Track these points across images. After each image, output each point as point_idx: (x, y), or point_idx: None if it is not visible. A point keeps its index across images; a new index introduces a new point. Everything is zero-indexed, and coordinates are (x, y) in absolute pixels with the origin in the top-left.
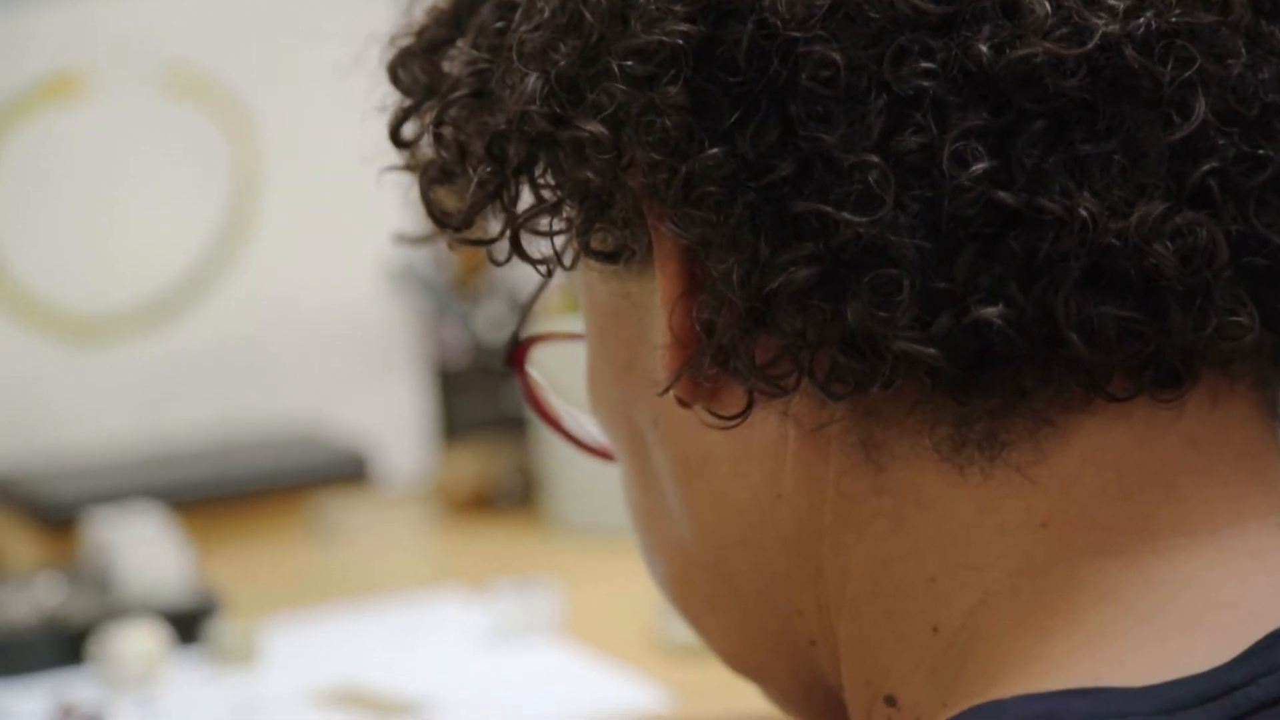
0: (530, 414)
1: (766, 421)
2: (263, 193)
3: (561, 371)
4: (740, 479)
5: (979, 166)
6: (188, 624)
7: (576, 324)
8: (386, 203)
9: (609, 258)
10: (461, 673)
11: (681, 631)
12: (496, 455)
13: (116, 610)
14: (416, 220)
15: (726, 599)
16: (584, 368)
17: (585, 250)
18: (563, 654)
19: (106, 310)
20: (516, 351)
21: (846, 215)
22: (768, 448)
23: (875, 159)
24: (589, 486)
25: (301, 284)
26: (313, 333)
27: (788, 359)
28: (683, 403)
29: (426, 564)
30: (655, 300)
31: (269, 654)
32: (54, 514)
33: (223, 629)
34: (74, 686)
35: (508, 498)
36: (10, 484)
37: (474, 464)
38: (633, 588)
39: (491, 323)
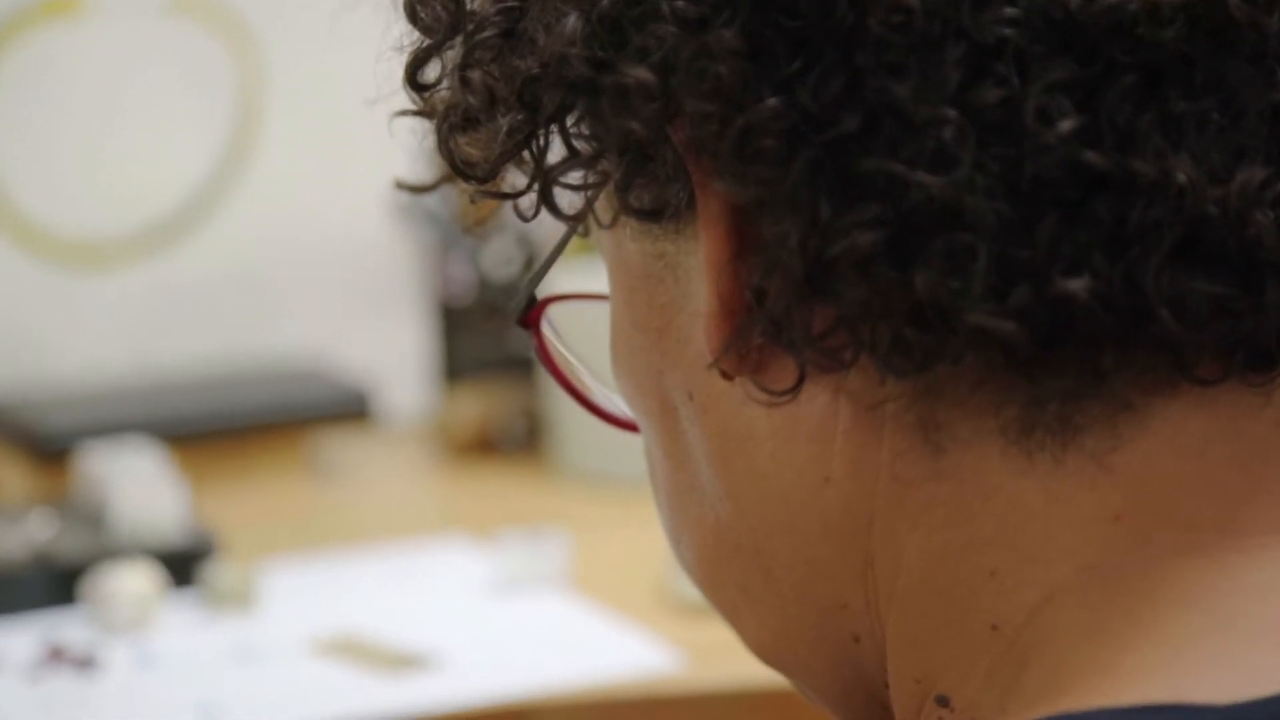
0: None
1: (816, 398)
2: (267, 117)
3: (580, 334)
4: (784, 459)
5: (1066, 124)
6: (183, 565)
7: (597, 279)
8: (395, 131)
9: (649, 216)
10: (466, 625)
11: (692, 588)
12: (501, 397)
13: (110, 549)
14: (425, 155)
15: (762, 588)
16: (606, 331)
17: (624, 207)
18: (570, 609)
19: (104, 236)
20: (531, 310)
21: (918, 175)
22: (816, 426)
23: (951, 113)
24: (597, 433)
25: (305, 213)
26: (315, 264)
27: (845, 331)
28: (726, 375)
29: (429, 507)
30: (694, 262)
31: (266, 598)
32: (47, 445)
33: (219, 571)
34: (64, 627)
35: (512, 441)
36: (2, 413)
37: (478, 405)
38: (642, 540)
39: (499, 259)
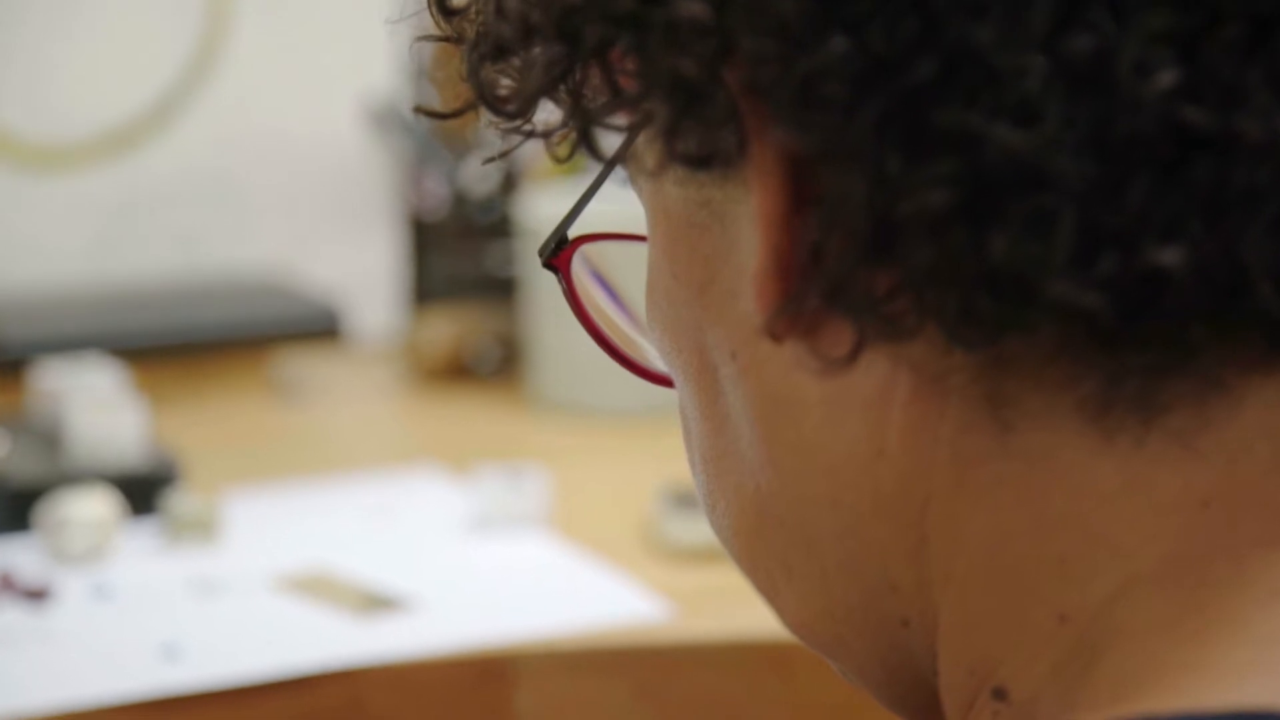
0: (516, 276)
1: (873, 366)
2: (236, 17)
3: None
4: (835, 430)
5: (1164, 77)
6: (142, 492)
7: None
8: (371, 34)
9: (696, 162)
10: (440, 565)
11: (681, 532)
12: (476, 319)
13: (66, 474)
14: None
15: (805, 564)
16: (642, 277)
17: (669, 152)
18: (550, 550)
19: (63, 139)
20: (561, 251)
21: (999, 129)
22: (872, 396)
23: (1038, 61)
24: (577, 361)
25: (274, 120)
26: (283, 175)
27: (910, 296)
28: (775, 337)
29: (399, 435)
30: (743, 211)
31: (230, 529)
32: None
33: (181, 500)
34: (16, 554)
35: (486, 367)
36: None
37: (451, 328)
38: (625, 477)
39: (478, 175)
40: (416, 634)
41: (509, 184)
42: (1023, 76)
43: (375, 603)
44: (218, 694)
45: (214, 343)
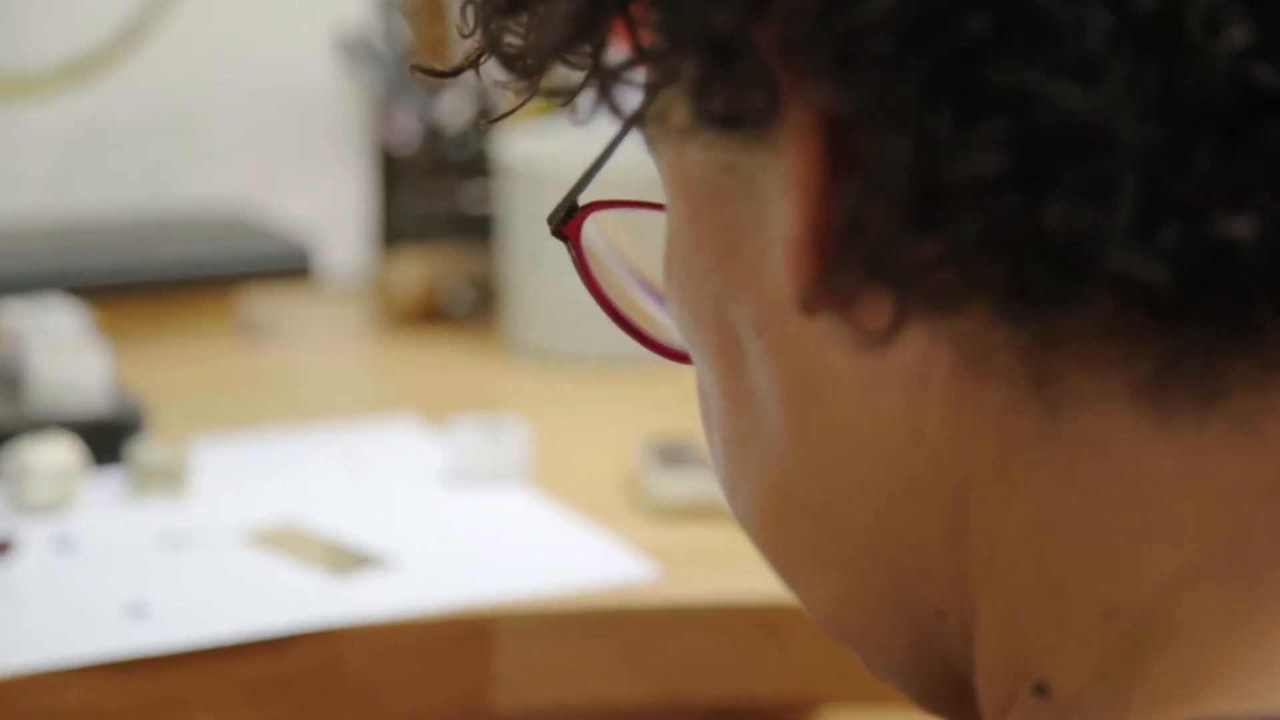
0: (491, 215)
1: (912, 342)
2: None
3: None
4: (869, 410)
5: (1235, 34)
6: (107, 439)
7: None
8: None
9: (725, 124)
10: (416, 521)
11: (667, 488)
12: (449, 261)
13: (26, 420)
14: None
15: (832, 552)
16: (659, 245)
17: (697, 112)
18: (531, 506)
19: (22, 68)
20: (571, 218)
21: (1057, 88)
22: (910, 374)
23: (1101, 16)
24: (556, 305)
25: (241, 50)
26: (250, 107)
27: (955, 267)
28: (808, 311)
29: (371, 381)
30: (772, 177)
31: (198, 479)
32: None
33: (147, 448)
34: None
35: (460, 310)
36: None
37: (423, 269)
38: (608, 430)
39: (450, 109)
40: (393, 593)
41: (484, 117)
42: (1084, 31)
43: (350, 560)
44: (188, 655)
45: (179, 281)
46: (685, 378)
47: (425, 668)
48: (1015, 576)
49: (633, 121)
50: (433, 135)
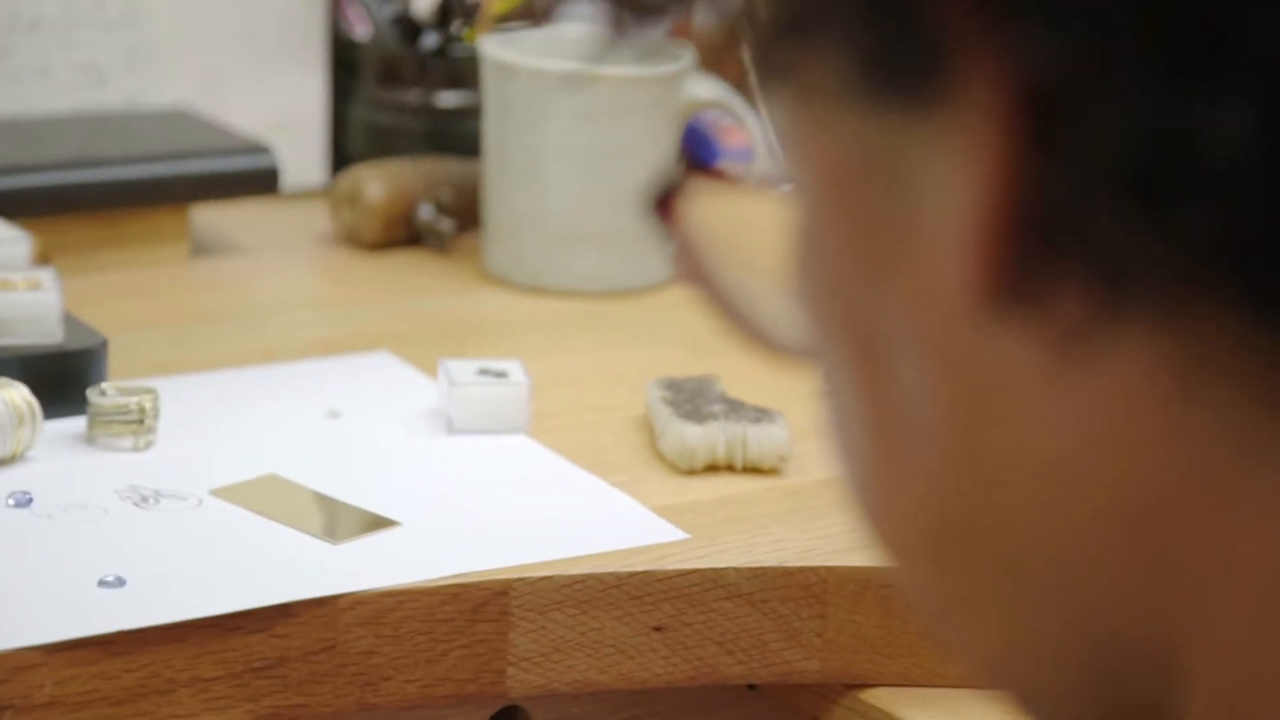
0: (470, 128)
1: (1120, 348)
2: None
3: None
4: (1059, 428)
5: None
6: (63, 382)
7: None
8: None
9: (893, 89)
10: (415, 476)
11: (688, 439)
12: (421, 174)
13: None
14: None
15: (1002, 590)
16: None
17: (861, 77)
18: (541, 462)
19: None
20: (668, 196)
21: None
22: (1115, 386)
23: None
24: (544, 228)
25: None
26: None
27: (1184, 260)
28: (992, 311)
29: (342, 312)
30: (942, 158)
31: (164, 425)
32: None
33: (108, 392)
34: None
35: (435, 230)
36: None
37: (391, 182)
38: (611, 371)
39: (420, 2)
40: (395, 560)
41: (455, 13)
42: None
43: (345, 522)
44: (170, 632)
45: (126, 194)
46: (700, 310)
47: (432, 644)
48: (1246, 626)
49: (770, 86)
50: (401, 33)
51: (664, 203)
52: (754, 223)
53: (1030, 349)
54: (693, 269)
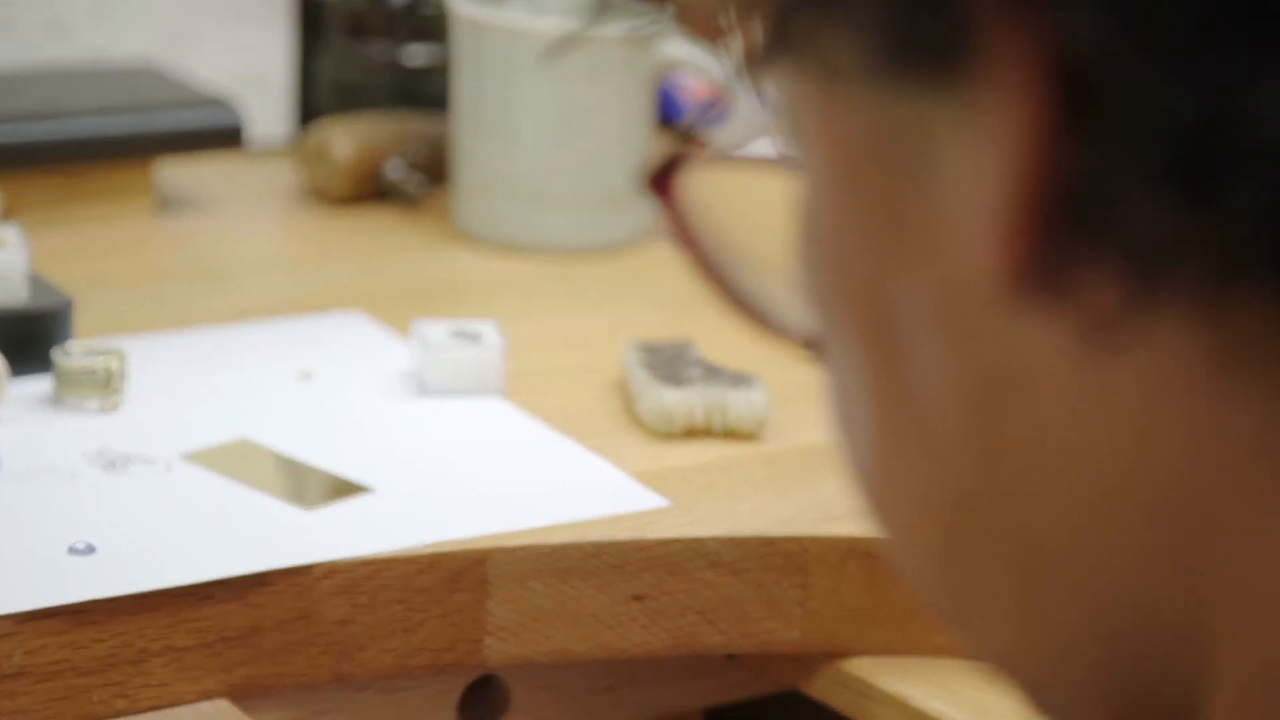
0: (438, 83)
1: (1152, 339)
2: None
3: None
4: (1086, 416)
5: None
6: (27, 344)
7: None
8: None
9: (915, 61)
10: (388, 441)
11: (666, 404)
12: (390, 129)
13: None
14: None
15: (1020, 583)
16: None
17: (881, 49)
18: (518, 427)
19: None
20: (666, 170)
21: None
22: (1147, 373)
23: None
24: (517, 184)
25: None
26: None
27: (1225, 241)
28: (1021, 295)
29: (309, 268)
30: (964, 136)
31: (132, 388)
32: None
33: (74, 352)
34: None
35: (403, 186)
36: None
37: (359, 138)
38: (586, 331)
39: None
40: (370, 527)
41: None
42: None
43: (318, 487)
44: (142, 601)
45: (90, 148)
46: (675, 271)
47: (409, 613)
48: (1274, 619)
49: (775, 61)
50: None
51: (661, 179)
52: (753, 200)
53: (1059, 336)
54: (690, 246)
